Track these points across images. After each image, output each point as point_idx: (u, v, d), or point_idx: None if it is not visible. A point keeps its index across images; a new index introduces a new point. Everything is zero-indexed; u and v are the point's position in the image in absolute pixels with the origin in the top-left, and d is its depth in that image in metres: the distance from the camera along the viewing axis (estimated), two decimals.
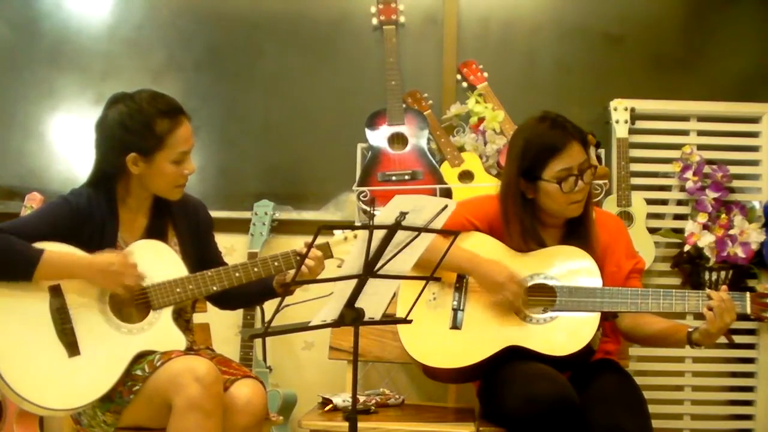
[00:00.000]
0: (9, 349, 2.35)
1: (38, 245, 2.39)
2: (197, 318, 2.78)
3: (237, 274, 2.55)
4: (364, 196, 3.43)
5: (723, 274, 3.52)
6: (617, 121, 3.59)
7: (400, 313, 2.71)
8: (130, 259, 2.44)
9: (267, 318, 3.36)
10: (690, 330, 2.57)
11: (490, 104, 3.61)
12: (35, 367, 2.36)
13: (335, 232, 2.64)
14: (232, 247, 3.63)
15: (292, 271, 2.57)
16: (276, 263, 2.56)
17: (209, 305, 2.81)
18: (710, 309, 2.49)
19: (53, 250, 2.39)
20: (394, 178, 3.47)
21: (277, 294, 2.65)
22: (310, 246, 2.14)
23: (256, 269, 2.56)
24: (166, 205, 2.62)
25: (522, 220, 2.72)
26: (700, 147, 3.65)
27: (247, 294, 2.71)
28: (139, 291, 2.48)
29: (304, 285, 2.52)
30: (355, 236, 2.57)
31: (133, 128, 2.46)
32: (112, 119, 2.49)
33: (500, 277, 2.65)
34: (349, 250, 2.58)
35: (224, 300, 2.75)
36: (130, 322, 2.47)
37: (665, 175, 3.68)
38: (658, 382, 3.60)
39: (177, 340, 2.49)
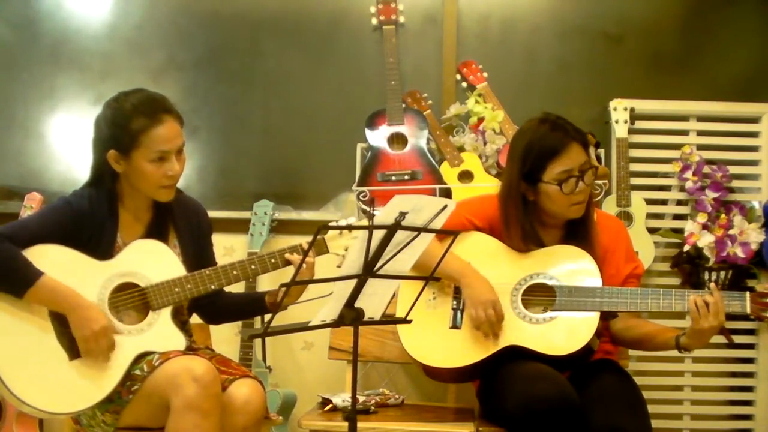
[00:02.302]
0: (9, 353, 2.35)
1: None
2: (196, 318, 2.78)
3: (234, 272, 2.55)
4: (364, 196, 3.43)
5: (722, 274, 3.52)
6: (617, 121, 3.59)
7: (400, 313, 2.71)
8: (113, 336, 2.40)
9: (266, 318, 3.36)
10: (679, 335, 2.58)
11: (489, 104, 3.61)
12: (36, 371, 2.36)
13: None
14: (231, 247, 3.63)
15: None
16: (273, 260, 2.56)
17: None
18: (697, 309, 2.49)
19: (52, 278, 2.37)
20: (393, 178, 3.47)
21: (268, 310, 2.65)
22: (309, 246, 2.13)
23: (253, 267, 2.56)
24: (166, 206, 2.61)
25: (522, 223, 2.72)
26: (700, 147, 3.65)
27: (238, 309, 2.73)
28: (139, 294, 2.49)
29: (304, 285, 2.51)
30: (350, 231, 2.58)
31: (110, 125, 2.47)
32: (97, 118, 2.52)
33: (483, 297, 2.64)
34: (344, 245, 2.59)
35: (215, 315, 2.76)
36: (130, 323, 2.47)
37: (665, 175, 3.68)
38: (658, 382, 3.60)
39: (177, 340, 2.49)
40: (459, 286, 2.72)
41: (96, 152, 2.53)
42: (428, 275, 2.29)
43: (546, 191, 2.68)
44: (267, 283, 3.42)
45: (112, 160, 2.48)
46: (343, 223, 2.69)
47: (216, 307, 2.73)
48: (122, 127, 2.45)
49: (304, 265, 2.51)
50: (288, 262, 2.57)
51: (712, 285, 2.54)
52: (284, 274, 2.57)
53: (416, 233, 2.08)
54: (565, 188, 2.65)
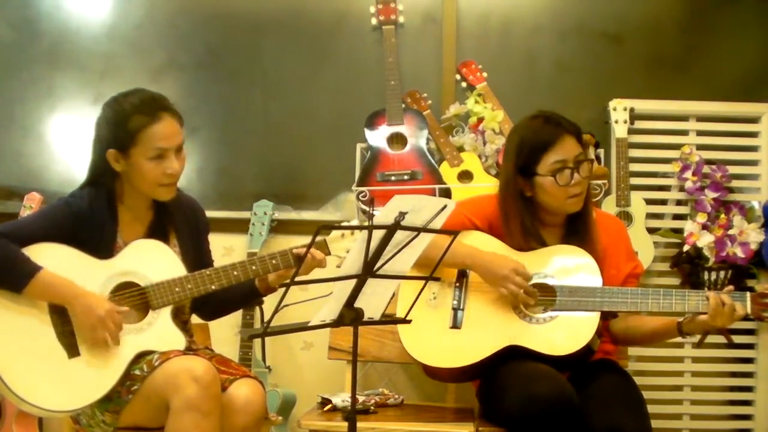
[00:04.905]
0: (9, 351, 2.35)
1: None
2: (196, 318, 2.78)
3: (235, 273, 2.54)
4: (364, 196, 3.43)
5: (722, 274, 3.52)
6: (616, 121, 3.59)
7: (400, 313, 2.71)
8: (119, 317, 2.41)
9: (266, 318, 3.36)
10: (679, 321, 2.59)
11: (489, 104, 3.61)
12: (35, 369, 2.36)
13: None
14: (231, 247, 3.63)
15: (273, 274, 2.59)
16: (274, 261, 2.55)
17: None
18: (718, 306, 2.50)
19: (50, 271, 2.37)
20: (393, 178, 3.47)
21: (261, 293, 2.65)
22: (309, 247, 2.13)
23: (254, 267, 2.55)
24: (167, 205, 2.61)
25: (522, 218, 2.73)
26: (700, 147, 3.65)
27: (230, 299, 2.71)
28: (139, 293, 2.49)
29: (304, 285, 2.51)
30: (352, 233, 2.58)
31: (109, 124, 2.48)
32: (98, 119, 2.53)
33: (503, 270, 2.64)
34: (346, 247, 2.58)
35: (209, 310, 2.75)
36: (129, 323, 2.46)
37: (664, 175, 3.68)
38: (658, 382, 3.60)
39: (176, 339, 2.49)
40: (473, 270, 2.72)
41: (95, 152, 2.53)
42: (432, 271, 2.29)
43: (541, 184, 2.68)
44: None
45: (112, 159, 2.48)
46: (345, 224, 2.68)
47: (210, 304, 2.72)
48: (121, 126, 2.46)
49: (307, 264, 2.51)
50: (298, 258, 2.54)
51: (730, 288, 2.55)
52: None
53: (416, 233, 2.08)
54: (560, 179, 2.65)
